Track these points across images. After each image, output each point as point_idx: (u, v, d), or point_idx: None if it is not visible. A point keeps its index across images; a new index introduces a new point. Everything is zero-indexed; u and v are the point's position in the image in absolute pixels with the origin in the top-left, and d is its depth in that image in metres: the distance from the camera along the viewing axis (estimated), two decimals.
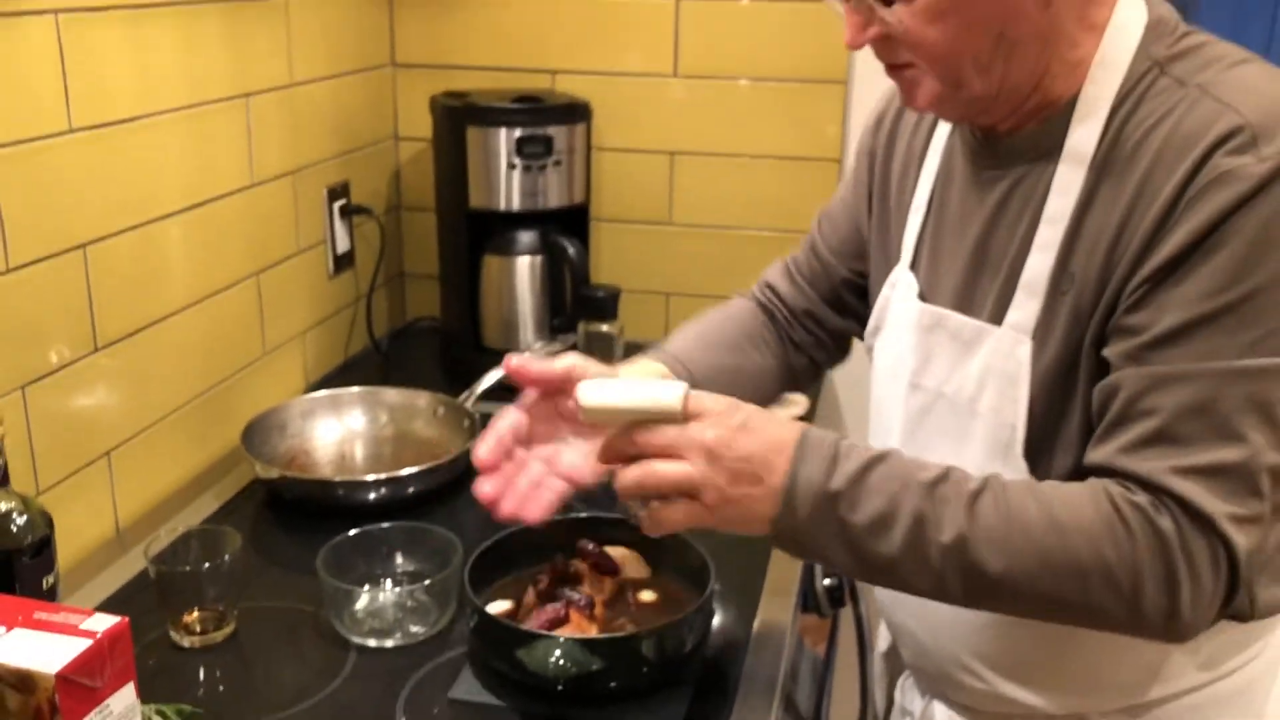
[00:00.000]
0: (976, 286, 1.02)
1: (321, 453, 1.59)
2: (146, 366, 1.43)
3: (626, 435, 0.90)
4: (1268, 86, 0.88)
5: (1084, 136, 0.93)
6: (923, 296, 1.08)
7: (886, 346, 1.14)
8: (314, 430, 1.60)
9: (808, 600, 1.39)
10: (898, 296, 1.12)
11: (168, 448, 1.49)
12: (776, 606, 1.28)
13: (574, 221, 1.89)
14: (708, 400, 0.91)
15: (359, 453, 1.61)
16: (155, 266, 1.44)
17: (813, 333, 1.28)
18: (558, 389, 1.00)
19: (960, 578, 0.88)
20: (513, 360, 1.00)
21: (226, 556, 1.18)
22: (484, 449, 0.98)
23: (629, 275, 2.02)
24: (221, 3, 1.52)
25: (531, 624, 1.10)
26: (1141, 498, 0.87)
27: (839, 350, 1.32)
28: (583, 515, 1.31)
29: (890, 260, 1.14)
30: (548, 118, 1.81)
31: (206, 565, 1.17)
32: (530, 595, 1.16)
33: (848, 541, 0.89)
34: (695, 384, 1.06)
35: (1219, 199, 0.85)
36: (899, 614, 1.17)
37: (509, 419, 1.01)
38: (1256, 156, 0.84)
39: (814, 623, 1.50)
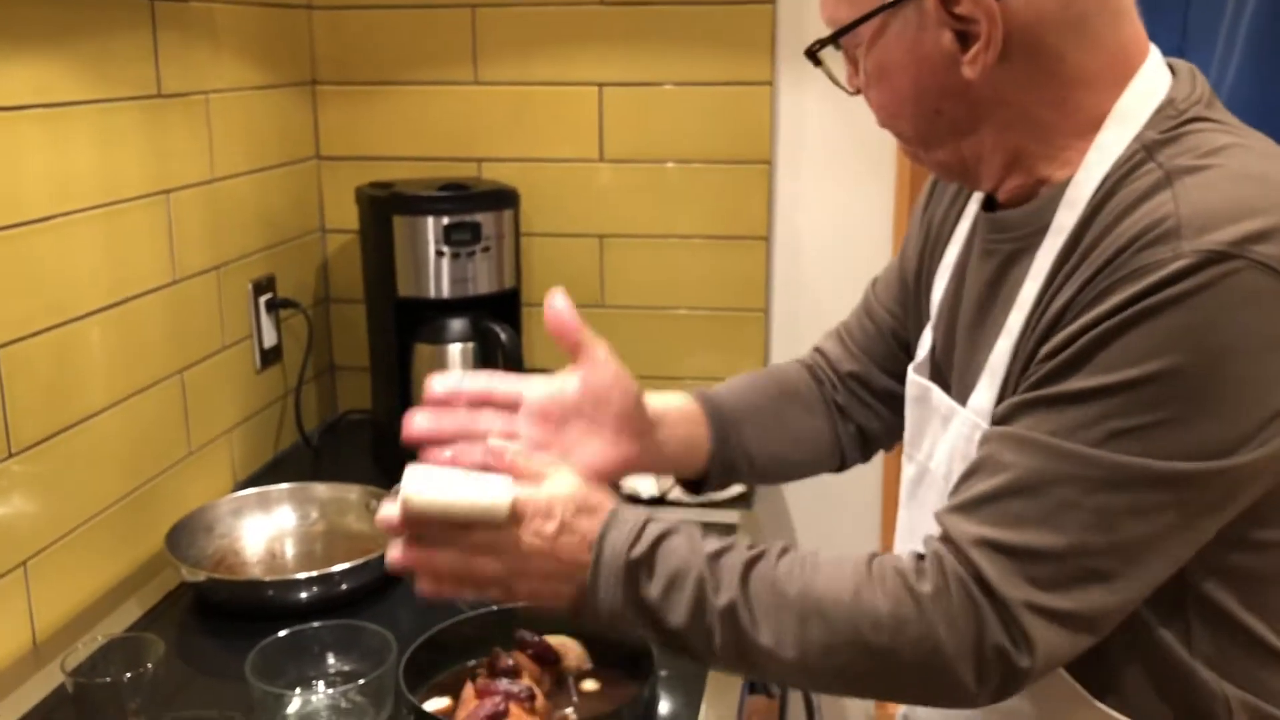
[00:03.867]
0: (968, 362, 0.99)
1: (250, 552, 1.55)
2: (64, 471, 1.39)
3: (446, 533, 0.88)
4: (1222, 186, 0.81)
5: (1065, 221, 0.88)
6: (936, 361, 1.06)
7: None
8: (242, 529, 1.56)
9: (755, 683, 1.36)
10: (914, 362, 1.09)
11: (88, 555, 1.44)
12: (722, 691, 1.25)
13: (505, 307, 1.88)
14: (529, 505, 0.88)
15: (289, 551, 1.57)
16: (74, 367, 1.40)
17: (857, 394, 1.21)
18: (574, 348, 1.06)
19: (735, 646, 0.86)
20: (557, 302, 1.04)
21: (149, 665, 1.13)
22: (441, 384, 1.00)
23: (563, 359, 2.00)
24: (139, 100, 1.51)
25: None
26: (907, 563, 0.84)
27: (894, 416, 1.17)
28: (521, 604, 1.28)
29: (923, 320, 1.11)
30: (474, 205, 1.81)
31: (128, 676, 1.12)
32: (468, 690, 1.13)
33: (644, 611, 0.87)
34: (724, 420, 1.12)
35: (1126, 291, 0.79)
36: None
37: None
38: (1174, 251, 0.77)
39: (763, 704, 1.47)
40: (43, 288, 1.34)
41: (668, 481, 1.72)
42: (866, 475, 2.05)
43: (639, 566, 0.87)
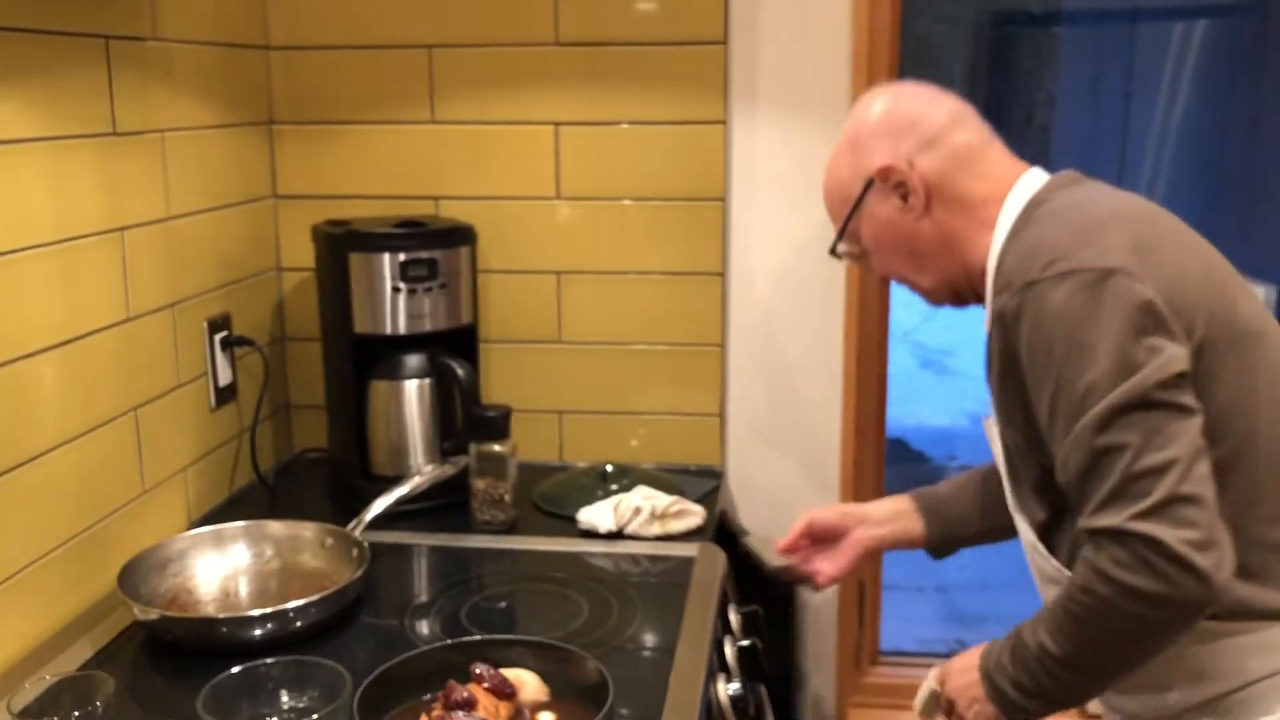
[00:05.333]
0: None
1: (204, 591, 1.53)
2: (15, 509, 1.37)
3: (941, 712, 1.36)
4: (1037, 236, 1.24)
5: (988, 298, 1.31)
6: None
7: None
8: (196, 568, 1.54)
9: (712, 713, 1.36)
10: None
11: (39, 594, 1.42)
12: None
13: (461, 343, 1.88)
14: (947, 667, 1.33)
15: (244, 589, 1.55)
16: (25, 404, 1.39)
17: None
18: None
19: (1055, 666, 1.19)
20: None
21: (98, 704, 1.11)
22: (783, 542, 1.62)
23: (520, 395, 2.02)
24: (93, 138, 1.51)
25: None
26: (1087, 550, 1.16)
27: None
28: (477, 638, 1.28)
29: None
30: (431, 242, 1.82)
31: (76, 715, 1.10)
32: None
33: (1037, 686, 1.21)
34: (934, 507, 1.60)
35: (996, 332, 1.24)
36: None
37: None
38: (1010, 294, 1.21)
39: None
40: None
41: (625, 516, 1.73)
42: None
43: (996, 675, 1.25)
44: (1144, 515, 1.10)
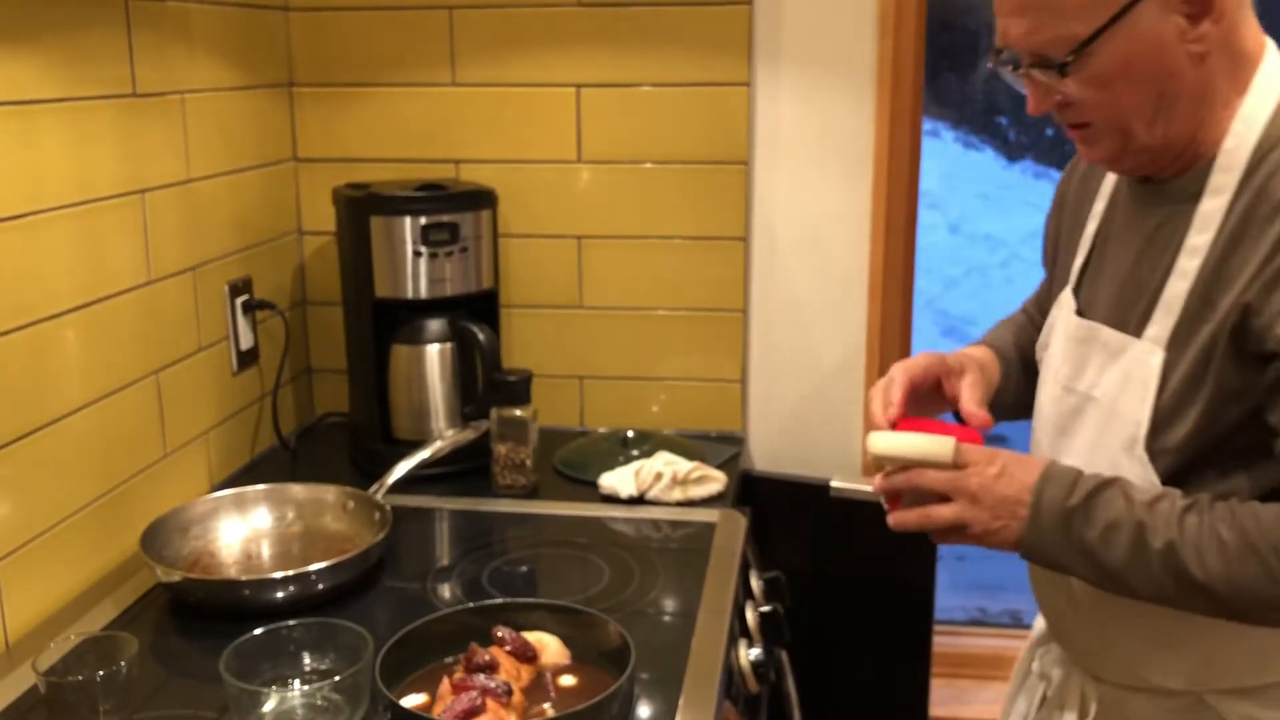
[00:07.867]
0: (1127, 305, 1.15)
1: (226, 553, 1.53)
2: (37, 472, 1.37)
3: (906, 476, 1.12)
4: None
5: (1224, 182, 1.06)
6: (1081, 313, 1.22)
7: (1049, 358, 1.27)
8: (218, 531, 1.55)
9: (733, 678, 1.36)
10: (1061, 315, 1.25)
11: (62, 556, 1.42)
12: (700, 689, 1.24)
13: (482, 308, 1.87)
14: (972, 453, 1.10)
15: (266, 551, 1.55)
16: (46, 367, 1.39)
17: None
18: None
19: (1173, 581, 1.02)
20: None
21: (122, 664, 1.12)
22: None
23: (541, 360, 2.01)
24: (113, 100, 1.50)
25: (446, 715, 1.06)
26: None
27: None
28: (498, 601, 1.28)
29: (1061, 284, 1.28)
30: (452, 205, 1.80)
31: (101, 674, 1.10)
32: (445, 686, 1.12)
33: (1083, 553, 1.05)
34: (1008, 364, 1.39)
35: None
36: (1051, 596, 1.26)
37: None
38: None
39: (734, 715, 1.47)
40: (14, 287, 1.33)
41: (646, 481, 1.72)
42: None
43: (1075, 514, 1.06)
44: None
